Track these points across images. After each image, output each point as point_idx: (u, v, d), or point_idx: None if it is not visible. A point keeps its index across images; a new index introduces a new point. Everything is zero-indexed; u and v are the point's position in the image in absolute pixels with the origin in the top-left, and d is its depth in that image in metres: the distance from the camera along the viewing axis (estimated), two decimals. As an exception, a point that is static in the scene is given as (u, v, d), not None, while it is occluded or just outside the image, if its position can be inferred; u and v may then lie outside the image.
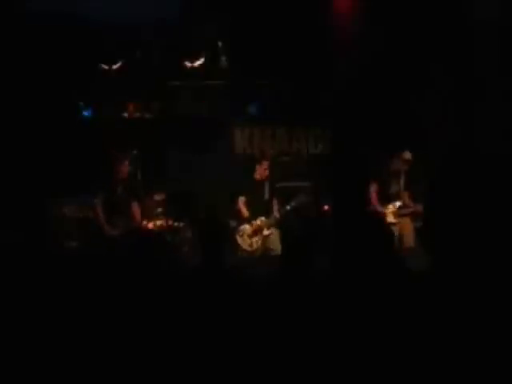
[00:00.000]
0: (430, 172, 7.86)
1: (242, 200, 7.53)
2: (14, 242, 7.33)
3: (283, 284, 4.01)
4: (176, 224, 7.79)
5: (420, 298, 3.44)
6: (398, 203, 7.43)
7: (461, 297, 3.58)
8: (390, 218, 7.35)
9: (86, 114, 9.10)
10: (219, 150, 9.11)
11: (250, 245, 7.42)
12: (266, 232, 7.45)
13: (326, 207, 8.65)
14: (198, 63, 9.27)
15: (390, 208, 7.41)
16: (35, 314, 4.12)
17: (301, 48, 8.82)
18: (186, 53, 9.23)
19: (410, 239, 7.31)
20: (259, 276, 4.59)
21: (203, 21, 9.14)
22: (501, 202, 7.58)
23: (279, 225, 7.55)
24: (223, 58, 9.23)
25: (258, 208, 7.50)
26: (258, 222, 7.46)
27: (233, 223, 7.53)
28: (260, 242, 7.42)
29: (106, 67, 9.11)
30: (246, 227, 7.46)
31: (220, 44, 9.24)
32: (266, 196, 7.61)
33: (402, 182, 7.49)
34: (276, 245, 7.44)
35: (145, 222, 7.44)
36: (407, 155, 7.42)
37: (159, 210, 7.76)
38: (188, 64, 9.27)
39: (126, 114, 9.16)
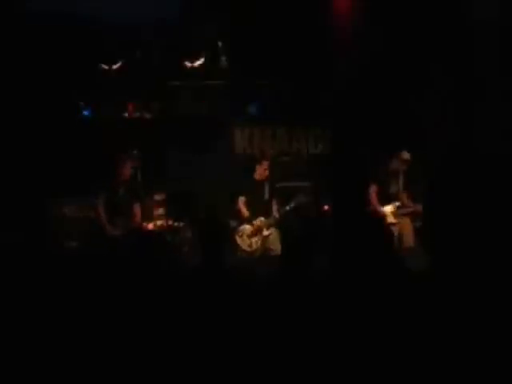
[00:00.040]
0: (430, 172, 7.87)
1: (241, 200, 7.53)
2: (13, 242, 7.34)
3: (283, 284, 4.02)
4: (176, 224, 7.79)
5: (419, 298, 3.45)
6: (397, 203, 7.44)
7: (460, 296, 3.59)
8: (390, 219, 7.36)
9: (86, 113, 9.10)
10: (219, 150, 9.10)
11: (250, 245, 7.42)
12: (265, 232, 7.45)
13: (325, 207, 8.65)
14: (198, 63, 9.27)
15: (390, 208, 7.42)
16: (35, 313, 4.13)
17: (301, 48, 8.82)
18: (186, 53, 9.23)
19: (409, 239, 7.32)
20: (259, 276, 4.60)
21: (203, 21, 9.13)
22: (500, 202, 7.58)
23: (279, 225, 7.55)
24: (223, 58, 9.23)
25: (258, 208, 7.51)
26: (258, 222, 7.46)
27: (233, 223, 7.54)
28: (259, 242, 7.42)
29: (106, 67, 9.11)
30: (246, 227, 7.46)
31: (220, 44, 9.23)
32: (266, 196, 7.61)
33: (400, 182, 7.51)
34: (276, 245, 7.44)
35: (145, 223, 7.44)
36: (405, 155, 7.43)
37: (160, 210, 7.75)
38: (188, 64, 9.27)
39: (126, 114, 9.16)
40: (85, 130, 8.83)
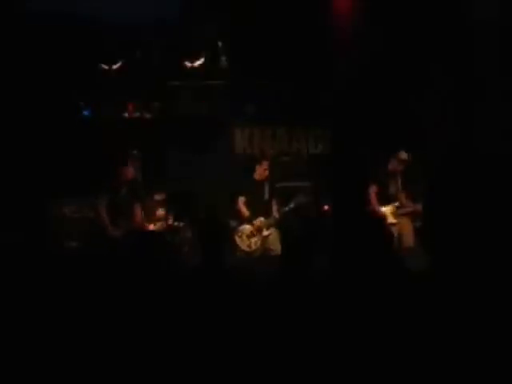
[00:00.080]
0: (430, 172, 7.87)
1: (241, 200, 7.53)
2: (14, 241, 7.34)
3: (283, 284, 4.02)
4: (176, 224, 7.80)
5: (419, 298, 3.44)
6: (396, 203, 7.45)
7: (460, 297, 3.58)
8: (390, 219, 7.36)
9: (86, 113, 9.10)
10: (219, 150, 9.10)
11: (249, 245, 7.42)
12: (265, 232, 7.45)
13: (325, 207, 8.66)
14: (198, 63, 9.26)
15: (389, 209, 7.43)
16: (35, 314, 4.13)
17: (301, 48, 8.82)
18: (186, 53, 9.23)
19: (409, 239, 7.32)
20: (258, 276, 4.60)
21: (203, 21, 9.13)
22: (500, 202, 7.59)
23: (279, 225, 7.55)
24: (223, 58, 9.23)
25: (258, 208, 7.51)
26: (258, 222, 7.47)
27: (233, 223, 7.54)
28: (259, 242, 7.42)
29: (106, 67, 9.11)
30: (245, 227, 7.46)
31: (220, 44, 9.24)
32: (266, 196, 7.61)
33: (399, 182, 7.52)
34: (275, 245, 7.43)
35: (146, 223, 7.45)
36: (403, 155, 7.45)
37: (160, 210, 7.76)
38: (188, 64, 9.27)
39: (126, 114, 9.16)
40: (85, 130, 8.83)
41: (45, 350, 3.57)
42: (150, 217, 7.60)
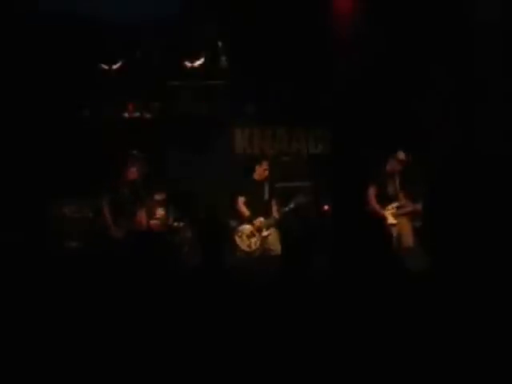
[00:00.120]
0: (431, 173, 7.87)
1: (241, 200, 7.52)
2: (13, 241, 7.34)
3: (283, 284, 4.02)
4: (176, 224, 7.79)
5: (419, 298, 3.44)
6: (396, 204, 7.45)
7: (460, 297, 3.58)
8: (390, 220, 7.35)
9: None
10: (219, 149, 9.10)
11: (249, 245, 7.40)
12: (265, 233, 7.43)
13: (325, 207, 8.65)
14: (198, 63, 9.25)
15: (389, 209, 7.42)
16: (35, 313, 4.12)
17: (301, 48, 8.81)
18: (186, 53, 9.22)
19: (408, 239, 7.31)
20: (258, 276, 4.60)
21: (203, 21, 9.13)
22: (501, 203, 7.58)
23: (279, 225, 7.54)
24: (223, 58, 9.22)
25: (258, 208, 7.50)
26: (258, 222, 7.45)
27: (233, 223, 7.53)
28: (259, 242, 7.41)
29: (105, 67, 9.10)
30: (245, 227, 7.45)
31: (220, 44, 9.23)
32: (266, 196, 7.60)
33: (397, 182, 7.52)
34: (275, 245, 7.43)
35: (147, 223, 7.46)
36: (401, 155, 7.47)
37: (160, 210, 7.76)
38: (188, 64, 9.25)
39: (126, 114, 9.15)
40: (85, 130, 8.83)
41: (45, 349, 3.57)
42: (150, 217, 7.60)
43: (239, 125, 9.35)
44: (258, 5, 8.70)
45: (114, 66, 9.11)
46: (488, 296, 3.61)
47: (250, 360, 3.24)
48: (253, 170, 7.62)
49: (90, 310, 4.20)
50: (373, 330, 3.22)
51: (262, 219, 7.45)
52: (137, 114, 9.15)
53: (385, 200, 7.48)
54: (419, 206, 7.37)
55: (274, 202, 7.61)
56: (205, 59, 9.24)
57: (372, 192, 7.54)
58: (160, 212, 7.76)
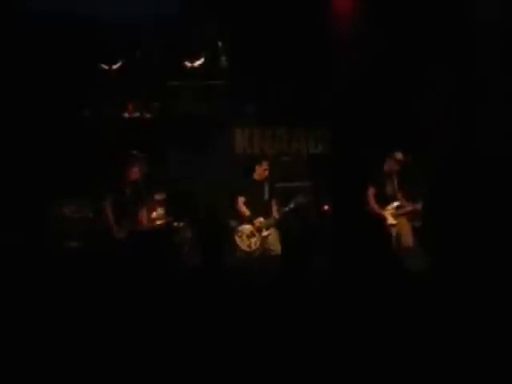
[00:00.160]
0: (431, 173, 7.87)
1: (241, 200, 7.52)
2: (14, 241, 7.35)
3: (283, 284, 4.02)
4: (176, 224, 7.79)
5: (418, 298, 3.44)
6: (395, 204, 7.45)
7: (459, 296, 3.58)
8: (390, 220, 7.35)
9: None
10: (219, 149, 9.11)
11: (249, 245, 7.40)
12: (265, 232, 7.43)
13: (325, 207, 8.65)
14: (197, 63, 9.25)
15: (388, 209, 7.43)
16: (35, 312, 4.13)
17: (301, 48, 8.81)
18: (186, 53, 9.21)
19: (408, 239, 7.31)
20: (258, 276, 4.60)
21: (203, 21, 9.13)
22: (501, 203, 7.58)
23: (279, 225, 7.54)
24: (223, 58, 9.22)
25: (258, 208, 7.49)
26: (258, 222, 7.45)
27: (233, 223, 7.53)
28: (259, 242, 7.40)
29: (105, 67, 9.10)
30: (245, 227, 7.44)
31: (220, 44, 9.23)
32: (266, 196, 7.59)
33: (395, 182, 7.53)
34: (275, 245, 7.42)
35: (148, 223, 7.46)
36: (399, 156, 7.48)
37: (160, 210, 7.76)
38: (188, 64, 9.25)
39: (126, 114, 9.15)
40: (85, 130, 8.83)
41: (45, 349, 3.57)
42: (151, 217, 7.60)
43: (239, 125, 9.35)
44: (258, 5, 8.70)
45: (114, 66, 9.11)
46: (488, 296, 3.61)
47: (250, 359, 3.24)
48: (253, 170, 7.62)
49: (89, 309, 4.20)
50: (373, 329, 3.22)
51: (261, 219, 7.45)
52: (137, 114, 9.15)
53: (384, 200, 7.49)
54: (419, 206, 7.37)
55: (273, 202, 7.60)
56: (205, 59, 9.24)
57: (371, 192, 7.55)
58: (160, 212, 7.77)
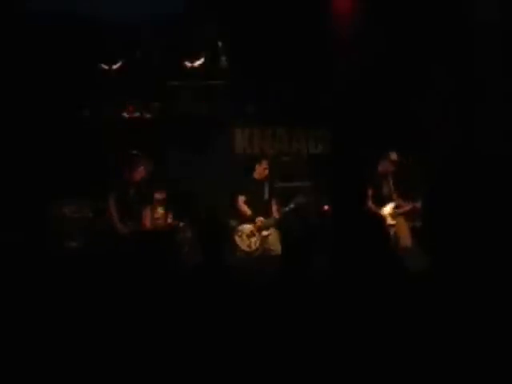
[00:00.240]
0: (431, 173, 7.88)
1: (242, 199, 7.52)
2: (13, 241, 7.35)
3: (283, 284, 4.02)
4: (176, 223, 7.80)
5: (418, 297, 3.44)
6: (392, 204, 7.47)
7: (459, 296, 3.58)
8: (389, 220, 7.36)
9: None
10: (219, 149, 9.11)
11: (249, 245, 7.39)
12: (264, 232, 7.43)
13: (325, 207, 8.65)
14: (197, 63, 9.25)
15: (386, 210, 7.44)
16: (35, 312, 4.13)
17: (301, 49, 8.82)
18: (186, 53, 9.22)
19: (406, 239, 7.31)
20: (258, 276, 4.60)
21: (203, 21, 9.13)
22: (501, 203, 7.58)
23: (279, 225, 7.54)
24: (223, 58, 9.22)
25: (258, 208, 7.49)
26: (258, 222, 7.45)
27: (233, 223, 7.53)
28: (259, 242, 7.40)
29: (105, 67, 9.10)
30: (245, 227, 7.44)
31: (220, 44, 9.23)
32: (266, 196, 7.59)
33: (391, 182, 7.54)
34: (275, 245, 7.41)
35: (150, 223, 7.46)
36: (393, 156, 7.50)
37: (160, 209, 7.77)
38: (188, 64, 9.26)
39: (125, 114, 9.15)
40: (85, 130, 8.83)
41: (45, 349, 3.57)
42: (151, 216, 7.60)
43: (239, 125, 9.36)
44: (258, 5, 8.70)
45: (114, 66, 9.11)
46: (487, 296, 3.61)
47: (250, 359, 3.24)
48: (253, 170, 7.62)
49: (89, 309, 4.20)
50: (372, 329, 3.23)
51: (261, 219, 7.45)
52: (137, 114, 9.15)
53: (380, 201, 7.50)
54: (418, 205, 7.39)
55: (274, 202, 7.60)
56: (205, 59, 9.24)
57: (369, 193, 7.57)
58: (160, 211, 7.77)
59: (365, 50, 8.63)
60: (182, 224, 7.78)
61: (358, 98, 8.76)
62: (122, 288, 4.80)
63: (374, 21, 8.54)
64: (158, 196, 7.72)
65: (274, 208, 7.57)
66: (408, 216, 7.45)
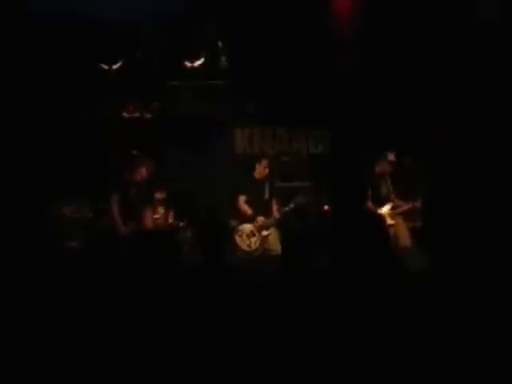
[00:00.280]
0: (431, 173, 7.88)
1: (242, 199, 7.52)
2: (14, 241, 7.34)
3: (283, 284, 4.01)
4: (176, 222, 7.80)
5: (418, 298, 3.44)
6: (390, 204, 7.48)
7: (459, 296, 3.58)
8: (388, 220, 7.37)
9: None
10: (219, 149, 9.12)
11: (249, 245, 7.40)
12: (265, 232, 7.43)
13: (325, 207, 8.66)
14: (198, 63, 9.26)
15: (385, 210, 7.45)
16: (35, 313, 4.12)
17: (301, 49, 8.82)
18: (186, 53, 9.22)
19: (405, 239, 7.33)
20: (258, 276, 4.60)
21: (203, 21, 9.13)
22: (501, 203, 7.58)
23: (279, 225, 7.54)
24: (223, 58, 9.23)
25: (258, 208, 7.50)
26: (260, 221, 7.45)
27: (233, 223, 7.54)
28: (259, 242, 7.41)
29: (105, 67, 9.10)
30: (245, 227, 7.45)
31: (220, 44, 9.23)
32: (266, 196, 7.60)
33: (388, 183, 7.56)
34: (275, 245, 7.42)
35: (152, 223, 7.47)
36: (390, 157, 7.51)
37: (161, 209, 7.78)
38: (188, 64, 9.26)
39: (125, 114, 9.16)
40: (85, 130, 8.83)
41: (45, 350, 3.57)
42: (152, 216, 7.60)
43: (239, 125, 9.37)
44: (258, 5, 8.70)
45: (114, 66, 9.12)
46: (487, 295, 3.61)
47: (250, 359, 3.24)
48: (253, 170, 7.62)
49: (89, 310, 4.20)
50: (373, 329, 3.22)
51: (262, 218, 7.46)
52: (137, 114, 9.16)
53: (379, 201, 7.52)
54: (418, 204, 7.40)
55: (274, 202, 7.61)
56: (205, 59, 9.25)
57: (368, 193, 7.58)
58: (161, 211, 7.78)
59: (365, 50, 8.62)
60: (182, 224, 7.78)
61: (357, 98, 8.76)
62: (121, 288, 4.79)
63: (374, 21, 8.53)
64: (158, 196, 7.72)
65: (275, 208, 7.57)
66: (407, 216, 7.47)
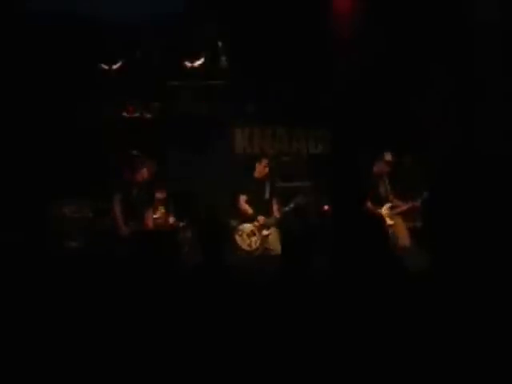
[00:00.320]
0: (431, 173, 7.88)
1: (243, 198, 7.52)
2: (14, 241, 7.34)
3: (283, 284, 4.02)
4: (176, 222, 7.80)
5: (418, 297, 3.44)
6: (389, 204, 7.49)
7: (459, 296, 3.58)
8: (388, 220, 7.37)
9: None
10: (219, 149, 9.12)
11: (249, 244, 7.39)
12: (265, 232, 7.43)
13: (325, 207, 8.66)
14: (197, 63, 9.26)
15: (384, 210, 7.45)
16: (35, 313, 4.13)
17: (301, 49, 8.82)
18: (186, 53, 9.22)
19: (404, 239, 7.32)
20: (258, 275, 4.60)
21: (203, 21, 9.13)
22: (501, 203, 7.58)
23: (279, 225, 7.54)
24: (223, 58, 9.23)
25: (258, 207, 7.50)
26: (261, 220, 7.45)
27: (233, 223, 7.53)
28: (259, 241, 7.40)
29: (105, 67, 9.10)
30: (245, 226, 7.44)
31: (220, 44, 9.23)
32: (267, 196, 7.59)
33: (386, 183, 7.56)
34: (275, 245, 7.42)
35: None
36: (388, 157, 7.51)
37: (161, 209, 7.78)
38: (188, 64, 9.26)
39: (126, 114, 9.16)
40: (85, 130, 8.84)
41: (45, 350, 3.57)
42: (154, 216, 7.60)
43: (239, 125, 9.37)
44: (258, 5, 8.70)
45: (114, 66, 9.11)
46: (487, 295, 3.61)
47: (250, 359, 3.24)
48: (253, 169, 7.62)
49: (89, 310, 4.20)
50: (372, 329, 3.23)
51: (263, 218, 7.45)
52: (137, 114, 9.16)
53: (378, 201, 7.52)
54: (417, 203, 7.40)
55: (274, 202, 7.60)
56: (205, 59, 9.25)
57: (368, 193, 7.58)
58: (161, 211, 7.78)
59: (365, 50, 8.62)
60: (182, 224, 7.78)
61: (357, 98, 8.76)
62: (122, 288, 4.80)
63: (374, 21, 8.54)
64: (158, 195, 7.72)
65: (275, 207, 7.57)
66: (407, 216, 7.46)
